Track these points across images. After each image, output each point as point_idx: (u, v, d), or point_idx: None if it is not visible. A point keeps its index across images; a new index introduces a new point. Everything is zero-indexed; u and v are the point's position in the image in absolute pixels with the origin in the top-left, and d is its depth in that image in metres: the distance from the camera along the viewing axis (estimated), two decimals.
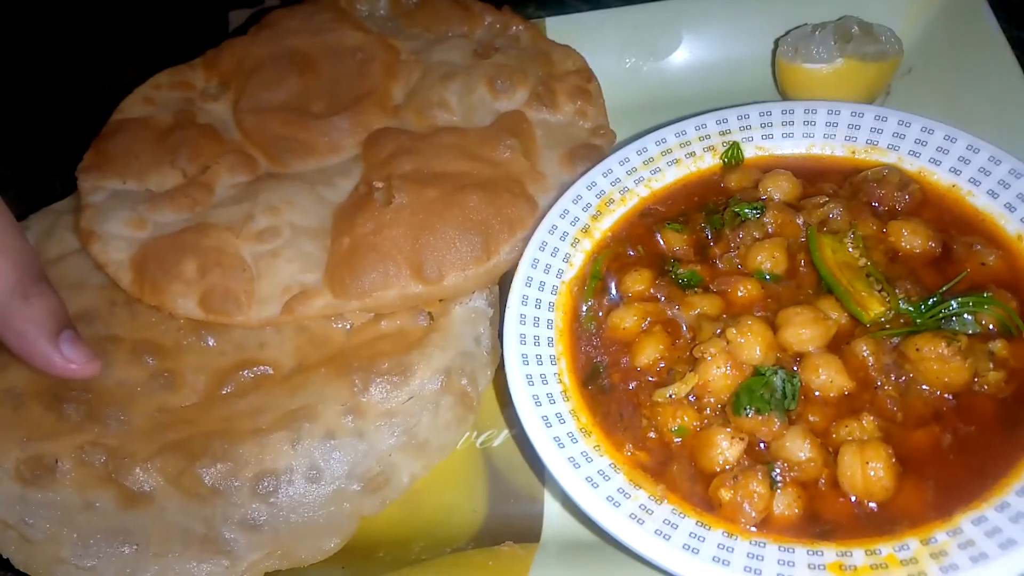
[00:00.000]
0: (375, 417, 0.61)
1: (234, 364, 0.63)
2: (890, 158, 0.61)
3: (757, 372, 0.51)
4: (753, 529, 0.48)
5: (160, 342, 0.64)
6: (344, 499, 0.59)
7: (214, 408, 0.61)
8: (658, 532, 0.48)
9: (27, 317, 0.52)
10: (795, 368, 0.52)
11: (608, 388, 0.55)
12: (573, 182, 0.65)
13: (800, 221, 0.58)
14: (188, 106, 0.75)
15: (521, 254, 0.62)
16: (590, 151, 0.70)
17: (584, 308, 0.59)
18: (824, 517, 0.48)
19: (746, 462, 0.50)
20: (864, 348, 0.51)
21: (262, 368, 0.63)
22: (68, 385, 0.61)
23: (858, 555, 0.46)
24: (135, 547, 0.57)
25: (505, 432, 0.64)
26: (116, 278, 0.64)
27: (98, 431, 0.60)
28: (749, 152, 0.64)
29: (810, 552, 0.46)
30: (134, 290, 0.64)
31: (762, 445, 0.50)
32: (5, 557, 0.57)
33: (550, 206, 0.64)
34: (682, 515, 0.49)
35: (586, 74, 0.76)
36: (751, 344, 0.51)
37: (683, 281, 0.58)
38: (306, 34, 0.77)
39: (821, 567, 0.45)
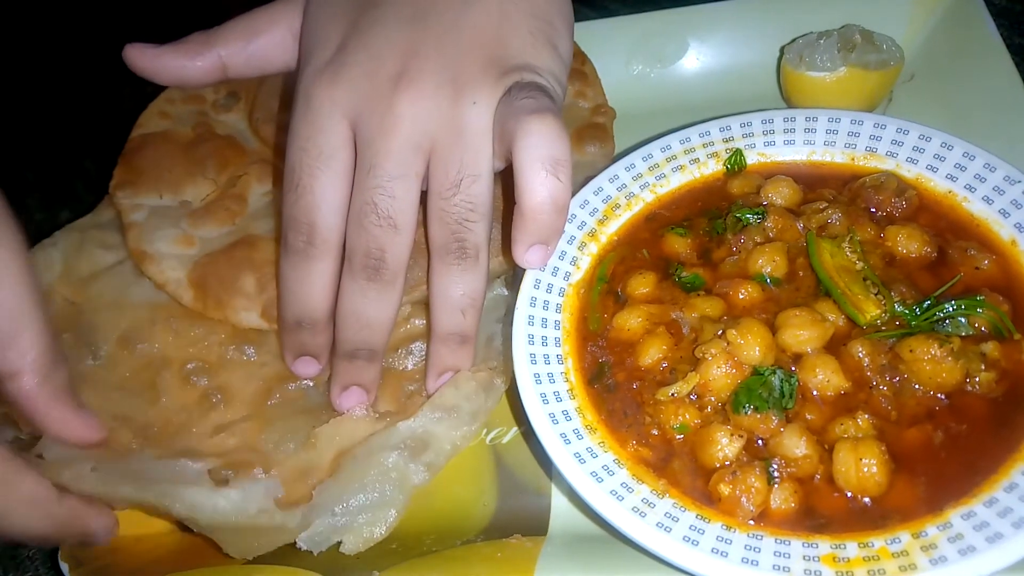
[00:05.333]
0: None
1: (276, 375, 0.66)
2: (888, 165, 0.63)
3: (756, 372, 0.53)
4: (751, 522, 0.49)
5: (205, 358, 0.66)
6: (390, 470, 0.60)
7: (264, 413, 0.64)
8: (660, 525, 0.50)
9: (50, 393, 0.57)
10: (793, 368, 0.53)
11: (613, 387, 0.57)
12: (581, 161, 0.66)
13: (800, 226, 0.59)
14: (203, 118, 0.77)
15: None
16: (595, 130, 0.73)
17: (590, 310, 0.61)
18: (819, 511, 0.50)
19: (745, 458, 0.51)
20: (860, 349, 0.53)
21: (306, 382, 0.66)
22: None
23: (851, 547, 0.47)
24: None
25: (514, 429, 0.66)
26: (176, 296, 0.67)
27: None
28: (751, 159, 0.66)
29: (805, 544, 0.48)
30: (197, 306, 0.66)
31: (760, 442, 0.52)
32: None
33: None
34: (683, 509, 0.50)
35: (580, 57, 0.78)
36: (751, 345, 0.53)
37: (686, 284, 0.59)
38: None
39: (815, 559, 0.47)
